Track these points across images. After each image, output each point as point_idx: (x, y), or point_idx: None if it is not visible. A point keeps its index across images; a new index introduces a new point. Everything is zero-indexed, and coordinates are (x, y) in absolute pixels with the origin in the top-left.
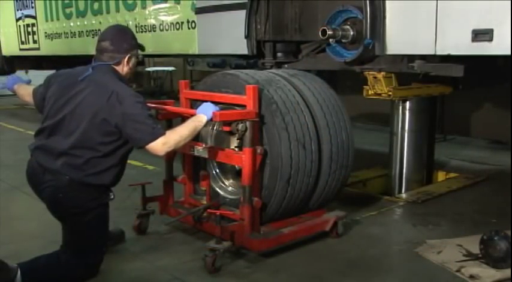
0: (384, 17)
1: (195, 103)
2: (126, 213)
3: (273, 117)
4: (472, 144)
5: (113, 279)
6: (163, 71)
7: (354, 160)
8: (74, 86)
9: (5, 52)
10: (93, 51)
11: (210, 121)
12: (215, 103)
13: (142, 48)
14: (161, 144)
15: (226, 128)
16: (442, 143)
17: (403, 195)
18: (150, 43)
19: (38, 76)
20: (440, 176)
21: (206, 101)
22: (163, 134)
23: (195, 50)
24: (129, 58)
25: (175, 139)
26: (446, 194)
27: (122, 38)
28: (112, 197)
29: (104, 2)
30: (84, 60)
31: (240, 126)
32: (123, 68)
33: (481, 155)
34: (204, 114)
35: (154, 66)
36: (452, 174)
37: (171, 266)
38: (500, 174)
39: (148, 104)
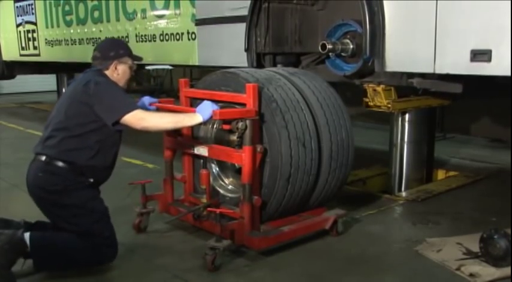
0: (384, 35)
1: (195, 101)
2: (127, 211)
3: (273, 116)
4: (472, 143)
5: (112, 277)
6: (163, 69)
7: (354, 158)
8: (68, 87)
9: (5, 57)
10: None
11: (209, 119)
12: (215, 101)
13: (137, 58)
14: (138, 118)
15: (226, 127)
16: (442, 141)
17: (403, 194)
18: (150, 53)
19: (39, 81)
20: (440, 174)
21: (206, 100)
22: (138, 108)
23: (195, 61)
24: (116, 64)
25: (154, 119)
26: (446, 192)
27: (109, 47)
28: (91, 180)
29: (104, 10)
30: (84, 67)
31: (240, 124)
32: (113, 74)
33: (481, 153)
34: (200, 114)
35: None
36: (452, 173)
37: (171, 264)
38: (500, 173)
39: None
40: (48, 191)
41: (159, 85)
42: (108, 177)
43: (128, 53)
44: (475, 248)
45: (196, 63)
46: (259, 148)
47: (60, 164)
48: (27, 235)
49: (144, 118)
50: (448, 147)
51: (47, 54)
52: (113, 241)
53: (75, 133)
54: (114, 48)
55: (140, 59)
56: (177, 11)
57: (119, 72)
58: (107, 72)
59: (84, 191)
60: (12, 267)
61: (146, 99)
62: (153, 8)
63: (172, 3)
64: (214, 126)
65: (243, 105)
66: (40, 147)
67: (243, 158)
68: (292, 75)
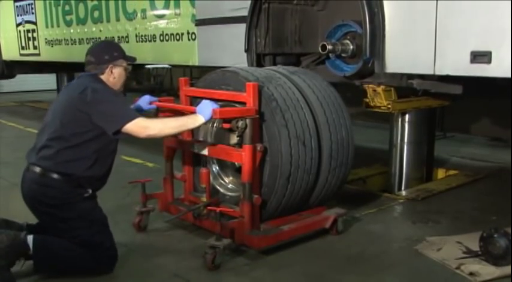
0: (384, 35)
1: (194, 100)
2: (126, 210)
3: (273, 115)
4: (472, 142)
5: (112, 277)
6: (163, 68)
7: (354, 157)
8: (62, 92)
9: (5, 57)
10: None
11: (210, 119)
12: (215, 100)
13: (131, 59)
14: (141, 127)
15: (226, 125)
16: (442, 140)
17: (403, 193)
18: (150, 53)
19: (38, 79)
20: (440, 173)
21: (206, 99)
22: (139, 116)
23: (195, 61)
24: (112, 68)
25: (158, 126)
26: (446, 191)
27: (103, 51)
28: (90, 192)
29: (104, 10)
30: (83, 66)
31: (240, 123)
32: (109, 78)
33: (481, 152)
34: (202, 115)
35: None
36: (452, 172)
37: (171, 263)
38: (500, 172)
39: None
40: (45, 204)
41: (159, 84)
42: (104, 185)
43: (122, 55)
44: (475, 247)
45: (196, 64)
46: (259, 147)
47: (56, 176)
48: (30, 238)
49: (148, 126)
50: (448, 146)
51: (47, 54)
52: (113, 251)
53: (72, 143)
54: (108, 51)
55: (134, 59)
56: (177, 11)
57: (115, 75)
58: (103, 77)
59: (84, 203)
60: (12, 267)
61: (146, 98)
62: (153, 8)
63: (172, 3)
64: (214, 125)
65: (243, 104)
66: (34, 158)
67: (243, 156)
68: (292, 74)
